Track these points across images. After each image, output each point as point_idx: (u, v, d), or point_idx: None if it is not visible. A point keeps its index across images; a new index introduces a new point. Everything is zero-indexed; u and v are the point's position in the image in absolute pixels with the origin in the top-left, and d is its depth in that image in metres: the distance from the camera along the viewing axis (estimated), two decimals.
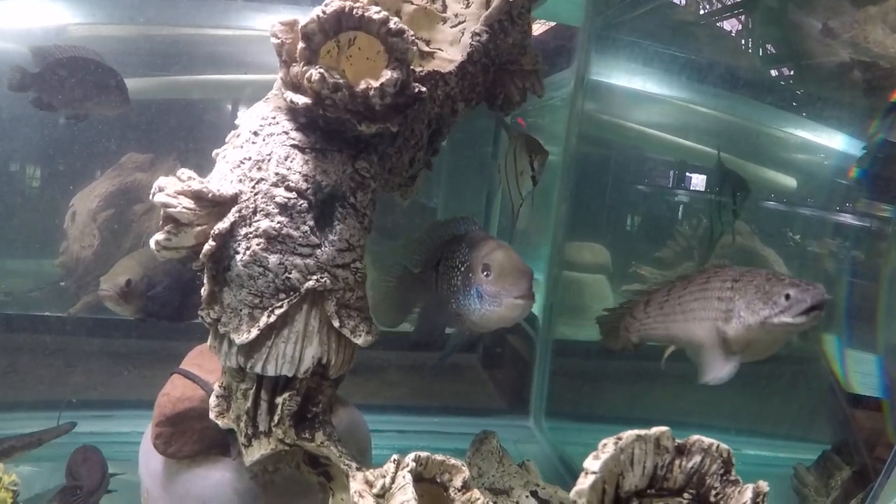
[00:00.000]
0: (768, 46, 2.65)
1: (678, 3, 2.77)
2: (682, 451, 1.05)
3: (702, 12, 2.81)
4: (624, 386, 2.60)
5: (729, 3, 2.91)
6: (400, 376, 2.61)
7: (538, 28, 2.66)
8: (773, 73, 2.67)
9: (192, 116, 2.86)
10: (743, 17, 2.78)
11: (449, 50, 1.57)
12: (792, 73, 2.55)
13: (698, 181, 3.12)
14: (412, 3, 1.59)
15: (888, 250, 2.44)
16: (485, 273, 1.45)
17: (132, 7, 2.65)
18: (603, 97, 2.81)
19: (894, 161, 2.19)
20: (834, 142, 2.57)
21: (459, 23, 1.59)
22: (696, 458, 1.05)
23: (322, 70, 1.24)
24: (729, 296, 1.65)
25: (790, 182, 2.88)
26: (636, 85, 2.81)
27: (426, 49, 1.56)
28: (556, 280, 2.89)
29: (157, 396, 1.57)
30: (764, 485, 1.02)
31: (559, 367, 2.79)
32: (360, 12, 1.26)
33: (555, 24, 2.84)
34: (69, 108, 2.21)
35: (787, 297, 1.52)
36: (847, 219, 2.60)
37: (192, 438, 1.52)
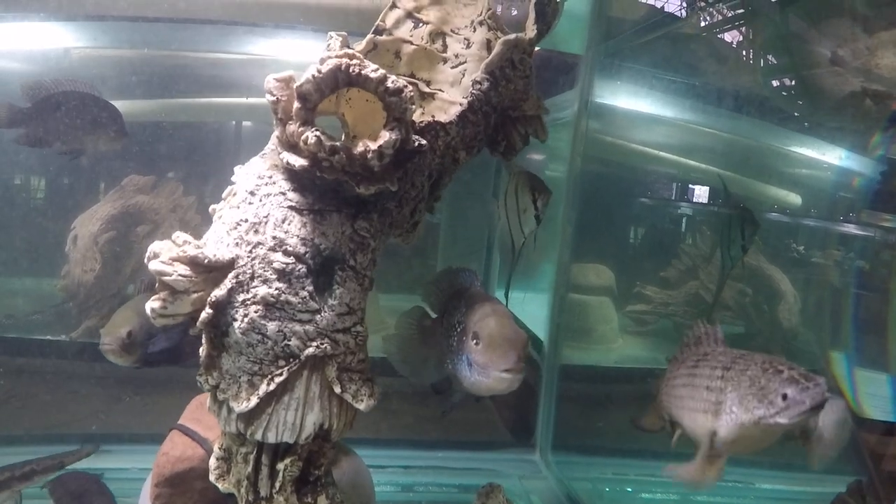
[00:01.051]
0: (773, 69, 2.61)
1: (680, 27, 2.72)
2: None
3: (704, 35, 2.76)
4: (632, 413, 2.56)
5: (730, 15, 2.86)
6: (402, 404, 2.58)
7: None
8: (778, 93, 2.63)
9: (195, 139, 2.86)
10: (746, 39, 2.74)
11: (450, 91, 1.53)
12: (796, 92, 2.51)
13: (702, 197, 3.09)
14: (412, 44, 1.55)
15: (894, 260, 2.39)
16: (474, 342, 1.42)
17: (135, 31, 2.64)
18: (607, 119, 2.78)
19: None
20: (840, 159, 2.53)
21: (460, 63, 1.55)
22: None
23: (318, 133, 1.21)
24: (719, 386, 1.49)
25: (795, 199, 2.85)
26: (641, 107, 2.78)
27: (426, 90, 1.52)
28: (561, 302, 2.86)
29: (157, 455, 1.54)
30: None
31: (565, 393, 2.76)
32: (356, 70, 1.22)
33: None
34: (63, 144, 2.17)
35: (785, 397, 1.37)
36: (851, 229, 2.56)
37: (193, 499, 1.50)
